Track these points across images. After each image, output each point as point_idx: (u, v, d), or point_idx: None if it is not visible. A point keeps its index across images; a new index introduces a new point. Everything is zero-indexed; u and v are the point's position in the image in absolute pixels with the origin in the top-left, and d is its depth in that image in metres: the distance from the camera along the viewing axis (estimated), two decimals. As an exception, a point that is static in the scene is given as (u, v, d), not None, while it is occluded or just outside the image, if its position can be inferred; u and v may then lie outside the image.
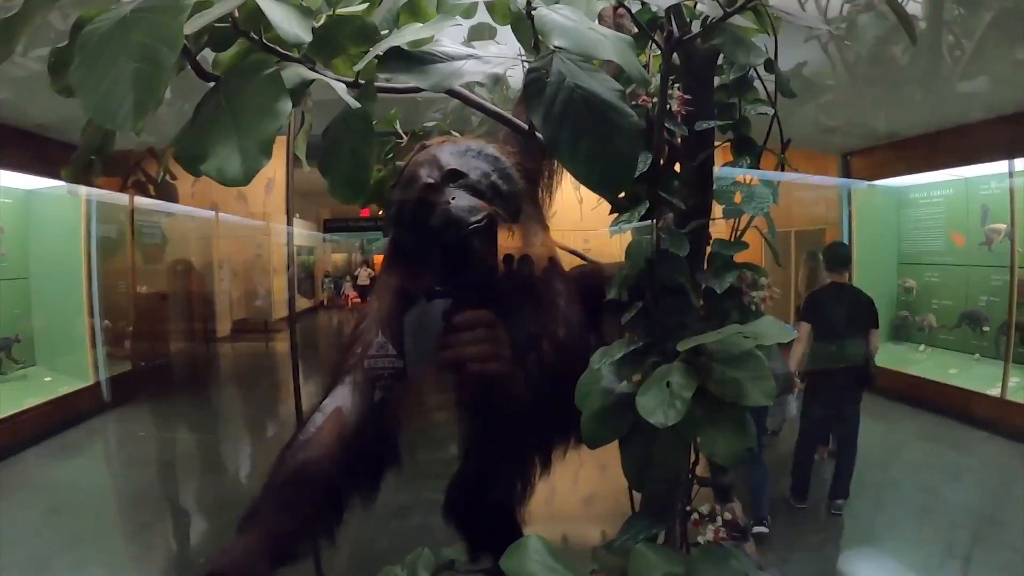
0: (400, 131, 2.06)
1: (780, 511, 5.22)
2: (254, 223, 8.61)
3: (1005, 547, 4.65)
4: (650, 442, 1.22)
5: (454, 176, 1.43)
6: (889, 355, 8.98)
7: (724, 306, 1.41)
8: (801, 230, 9.88)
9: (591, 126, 0.96)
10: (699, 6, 1.29)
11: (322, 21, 1.22)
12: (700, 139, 1.43)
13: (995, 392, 7.27)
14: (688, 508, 1.38)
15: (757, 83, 1.53)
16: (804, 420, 5.39)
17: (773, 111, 1.52)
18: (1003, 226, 7.51)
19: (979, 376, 7.67)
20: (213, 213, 8.63)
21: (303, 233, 10.59)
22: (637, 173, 1.19)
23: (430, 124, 2.01)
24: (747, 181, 1.53)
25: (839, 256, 5.36)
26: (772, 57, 1.44)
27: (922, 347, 9.08)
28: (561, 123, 0.96)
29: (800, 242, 9.84)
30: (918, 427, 7.46)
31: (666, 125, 1.33)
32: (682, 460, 1.30)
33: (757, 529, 4.71)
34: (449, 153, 1.49)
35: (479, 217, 1.37)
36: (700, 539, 1.32)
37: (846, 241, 9.17)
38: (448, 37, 1.24)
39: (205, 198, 7.92)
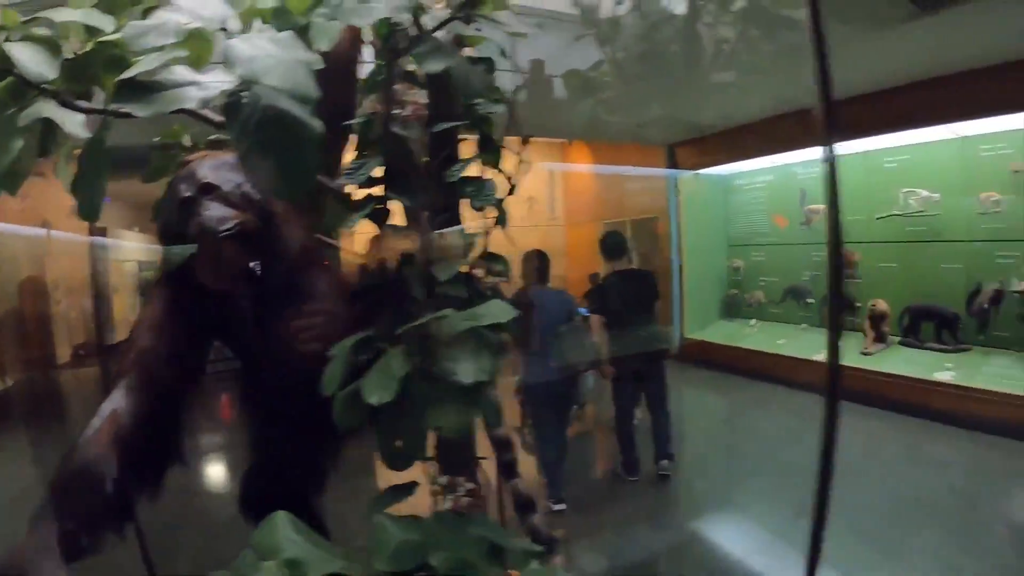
0: (187, 143, 2.09)
1: (619, 486, 5.52)
2: (90, 239, 8.20)
3: (848, 505, 4.97)
4: (395, 422, 1.31)
5: (208, 189, 1.51)
6: (722, 331, 9.49)
7: (451, 293, 1.48)
8: (636, 219, 10.34)
9: (279, 141, 1.04)
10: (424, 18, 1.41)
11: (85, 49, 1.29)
12: (442, 140, 1.55)
13: (821, 357, 7.68)
14: (435, 482, 1.48)
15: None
16: (615, 398, 5.64)
17: (508, 108, 1.69)
18: (820, 207, 8.01)
19: (806, 344, 8.12)
20: (44, 231, 8.20)
21: (143, 248, 10.15)
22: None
23: (213, 137, 2.06)
24: (480, 176, 1.64)
25: (613, 245, 5.62)
26: (505, 57, 1.63)
27: (752, 322, 9.59)
28: (252, 139, 1.03)
29: (635, 230, 10.31)
30: (752, 396, 7.82)
31: (399, 131, 1.45)
32: (420, 438, 1.38)
33: (556, 507, 4.89)
34: (207, 167, 1.57)
35: (229, 225, 1.47)
36: (441, 508, 1.43)
37: (674, 227, 9.62)
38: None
39: (35, 215, 7.55)
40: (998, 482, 5.15)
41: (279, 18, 1.41)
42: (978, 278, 7.03)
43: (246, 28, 1.37)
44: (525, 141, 1.69)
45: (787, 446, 6.11)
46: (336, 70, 1.57)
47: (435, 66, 1.36)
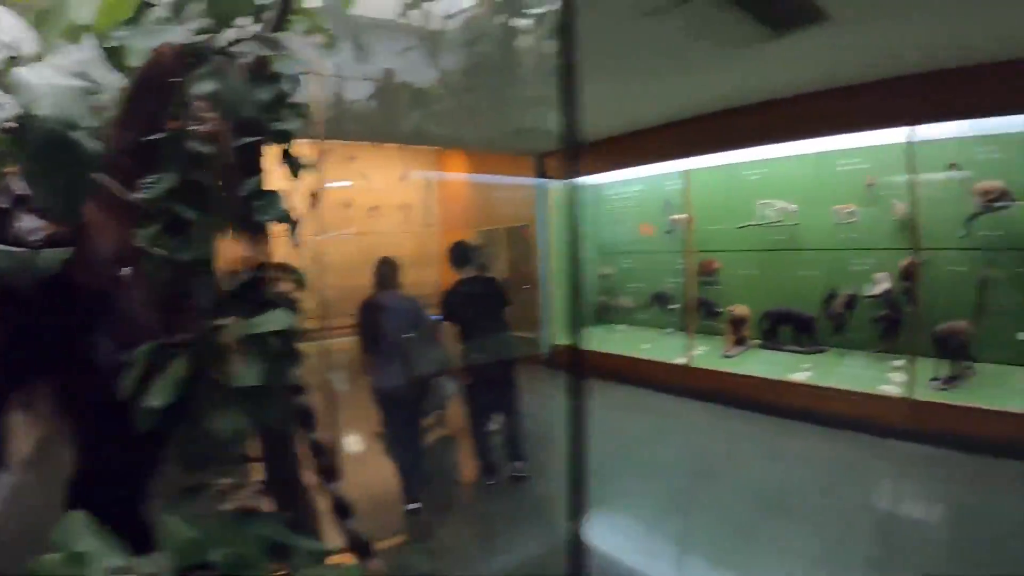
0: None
1: (480, 491, 5.51)
2: None
3: (715, 500, 5.18)
4: (188, 425, 1.39)
5: (22, 201, 1.54)
6: (592, 336, 9.63)
7: (245, 300, 1.55)
8: (509, 227, 10.43)
9: (54, 163, 1.16)
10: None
11: None
12: (243, 155, 1.61)
13: (683, 360, 7.98)
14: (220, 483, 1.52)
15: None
16: (469, 404, 5.67)
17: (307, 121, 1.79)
18: (682, 216, 8.31)
19: (670, 348, 8.38)
20: None
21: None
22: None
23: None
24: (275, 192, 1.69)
25: (459, 254, 5.66)
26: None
27: (620, 327, 9.79)
28: (33, 161, 1.16)
29: (509, 238, 10.39)
30: (619, 398, 8.00)
31: (197, 146, 1.49)
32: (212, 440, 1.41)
33: (411, 507, 4.88)
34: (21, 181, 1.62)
35: (40, 236, 1.49)
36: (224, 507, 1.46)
37: (542, 235, 9.88)
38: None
39: None
40: (852, 475, 5.42)
41: (78, 37, 1.47)
42: (833, 284, 7.45)
43: (49, 50, 1.42)
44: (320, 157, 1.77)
45: (649, 445, 6.36)
46: (149, 87, 1.60)
47: (206, 87, 1.46)
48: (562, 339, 9.98)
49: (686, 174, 8.24)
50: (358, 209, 9.76)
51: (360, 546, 1.71)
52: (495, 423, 5.66)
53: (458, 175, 12.38)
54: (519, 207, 10.35)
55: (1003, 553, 4.05)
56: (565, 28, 2.41)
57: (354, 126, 7.41)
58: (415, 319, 5.12)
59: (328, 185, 6.75)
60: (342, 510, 1.84)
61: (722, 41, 5.08)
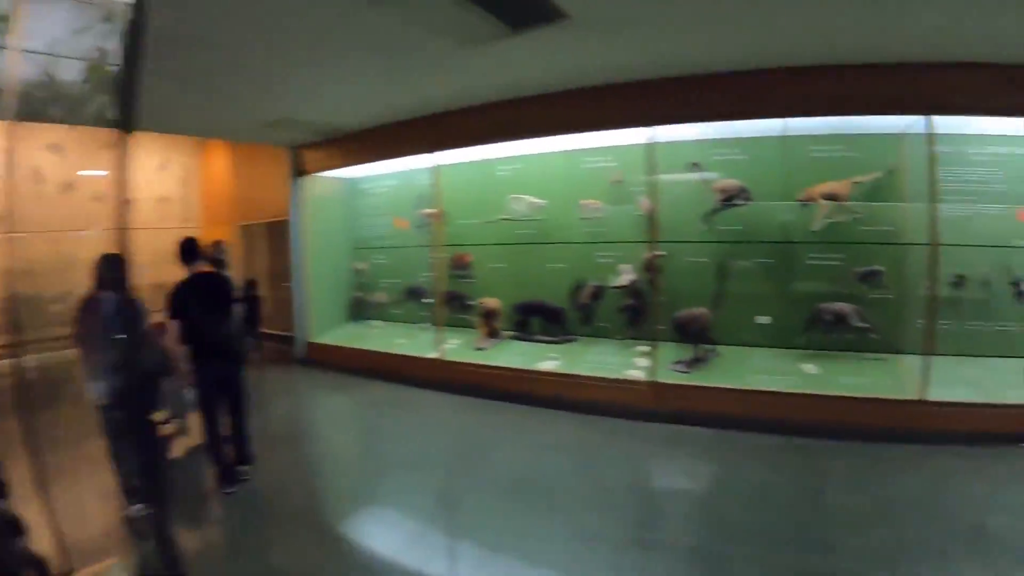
0: None
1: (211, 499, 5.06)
2: None
3: (477, 487, 5.15)
4: None
5: None
6: (347, 333, 9.34)
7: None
8: (271, 221, 9.93)
9: None
10: None
11: None
12: None
13: (436, 355, 7.87)
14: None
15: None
16: (201, 407, 5.23)
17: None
18: (434, 210, 8.23)
19: (425, 343, 8.26)
20: None
21: None
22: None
23: None
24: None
25: (187, 249, 5.29)
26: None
27: (376, 322, 9.56)
28: None
29: (272, 232, 9.89)
30: (375, 395, 7.82)
31: None
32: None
33: (135, 512, 4.44)
34: None
35: None
36: None
37: (298, 230, 9.47)
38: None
39: None
40: (598, 457, 5.59)
41: None
42: (581, 276, 7.72)
43: None
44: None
45: (403, 441, 6.19)
46: None
47: None
48: (319, 337, 9.62)
49: (436, 169, 8.11)
50: (112, 203, 8.85)
51: (26, 562, 1.44)
52: (224, 426, 5.22)
53: (220, 167, 11.72)
54: (280, 202, 9.84)
55: (735, 516, 4.37)
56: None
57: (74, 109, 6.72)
58: (132, 319, 4.61)
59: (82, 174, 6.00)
60: (7, 529, 1.56)
61: (461, 37, 5.03)
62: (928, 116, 5.82)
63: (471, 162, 8.36)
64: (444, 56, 5.52)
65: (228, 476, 5.12)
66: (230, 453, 5.22)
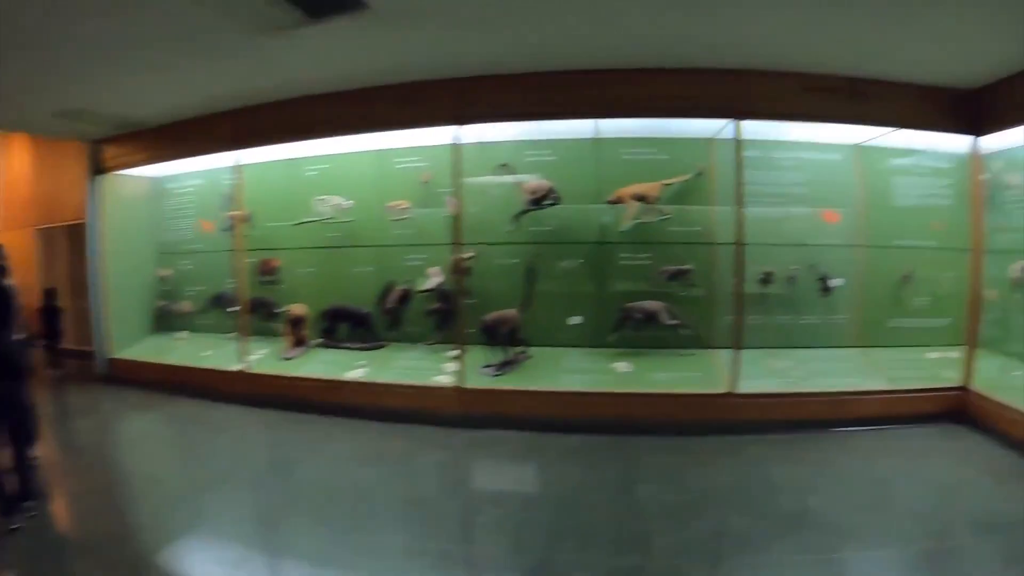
0: None
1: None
2: None
3: (288, 503, 4.76)
4: None
5: None
6: (152, 346, 8.65)
7: None
8: (72, 224, 9.10)
9: None
10: None
11: None
12: None
13: (242, 366, 7.33)
14: None
15: None
16: None
17: None
18: (240, 212, 7.75)
19: (231, 354, 7.67)
20: None
21: None
22: None
23: None
24: None
25: None
26: None
27: (182, 334, 8.88)
28: None
29: (73, 236, 9.06)
30: (180, 413, 7.22)
31: None
32: None
33: None
34: None
35: None
36: None
37: (94, 233, 8.66)
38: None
39: None
40: (409, 465, 5.34)
41: None
42: (389, 279, 7.39)
43: None
44: None
45: (207, 461, 5.70)
46: None
47: None
48: (121, 351, 8.89)
49: (239, 168, 7.57)
50: None
51: None
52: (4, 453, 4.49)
53: (20, 165, 10.71)
54: (79, 202, 8.99)
55: (549, 520, 4.26)
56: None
57: None
58: None
59: None
60: None
61: (258, 24, 4.71)
62: (735, 120, 6.00)
63: (278, 161, 7.87)
64: (242, 45, 5.17)
65: (11, 510, 4.31)
66: (13, 484, 4.43)
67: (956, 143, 6.55)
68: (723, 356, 6.40)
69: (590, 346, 6.93)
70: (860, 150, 7.09)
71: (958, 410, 6.38)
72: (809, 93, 5.97)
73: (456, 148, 6.43)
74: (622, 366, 6.51)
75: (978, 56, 5.42)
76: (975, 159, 6.46)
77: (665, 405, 6.03)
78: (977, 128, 6.30)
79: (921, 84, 6.12)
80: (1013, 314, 6.72)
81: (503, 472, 5.32)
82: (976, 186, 6.51)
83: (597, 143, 6.89)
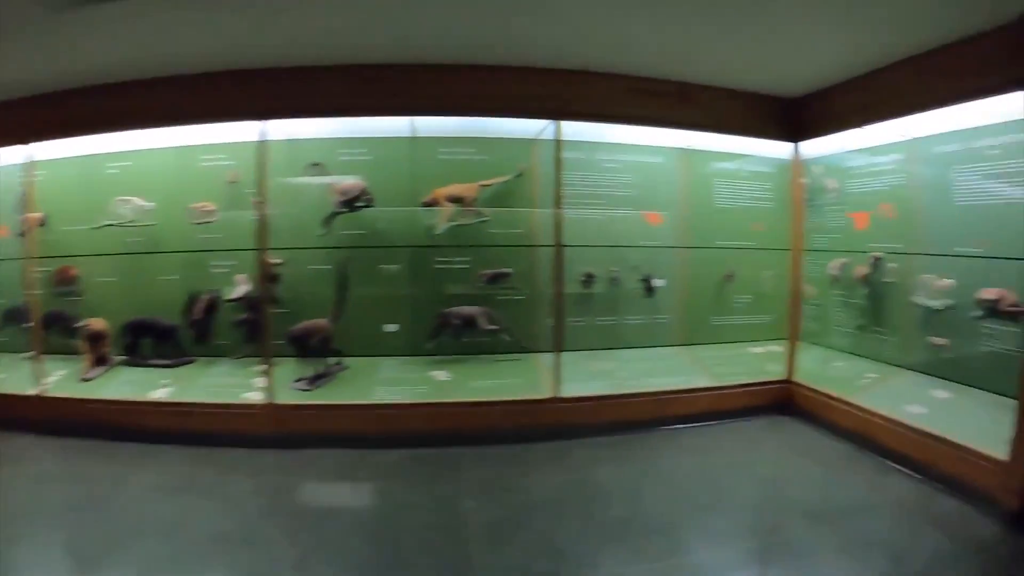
0: None
1: None
2: None
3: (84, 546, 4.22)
4: None
5: None
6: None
7: None
8: None
9: None
10: None
11: None
12: None
13: (36, 391, 6.60)
14: None
15: None
16: None
17: None
18: (37, 215, 7.07)
19: (26, 377, 6.90)
20: None
21: None
22: None
23: None
24: None
25: None
26: None
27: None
28: None
29: None
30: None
31: None
32: None
33: None
34: None
35: None
36: None
37: None
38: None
39: None
40: (215, 494, 4.88)
41: None
42: (195, 288, 6.85)
43: None
44: None
45: (4, 499, 4.99)
46: None
47: None
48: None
49: (32, 164, 6.82)
50: None
51: None
52: None
53: None
54: None
55: (363, 547, 4.00)
56: None
57: None
58: None
59: None
60: None
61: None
62: (555, 121, 5.90)
63: (77, 157, 7.14)
64: (26, 23, 4.58)
65: None
66: None
67: (778, 149, 6.89)
68: (546, 360, 6.29)
69: (408, 355, 6.70)
70: (684, 153, 7.23)
71: (784, 402, 6.67)
72: (636, 96, 5.97)
73: (263, 145, 5.96)
74: (441, 375, 6.29)
75: (800, 68, 5.69)
76: (795, 164, 6.81)
77: (488, 414, 5.83)
78: (797, 135, 6.68)
79: (747, 91, 6.36)
80: (831, 309, 7.26)
81: (317, 497, 4.98)
82: (796, 190, 6.87)
83: (414, 142, 6.62)
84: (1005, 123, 5.49)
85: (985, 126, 5.68)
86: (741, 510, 4.52)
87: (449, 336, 6.60)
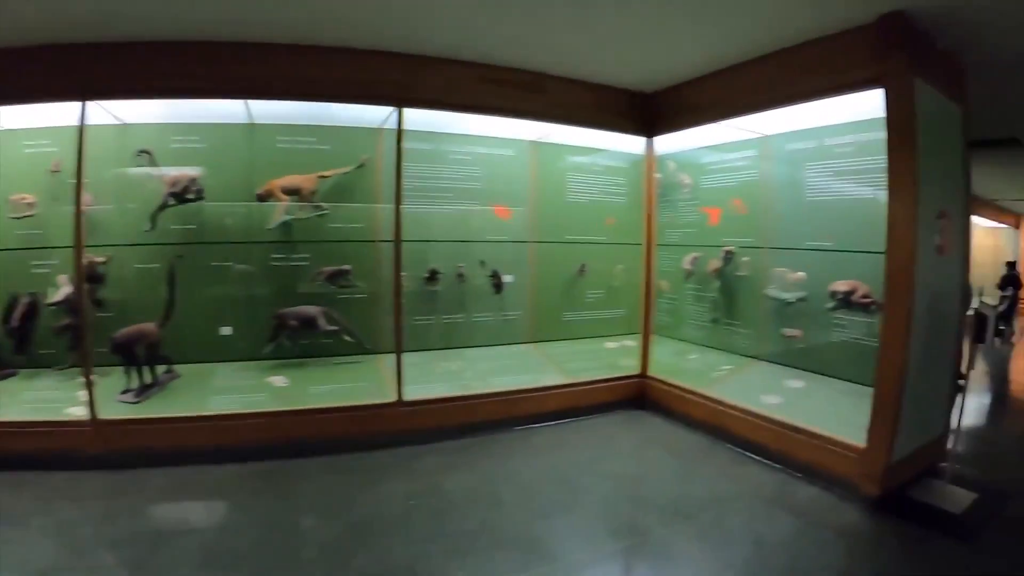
0: None
1: None
2: None
3: None
4: None
5: None
6: None
7: None
8: None
9: None
10: None
11: None
12: None
13: None
14: None
15: None
16: None
17: None
18: None
19: None
20: None
21: None
22: None
23: None
24: None
25: None
26: None
27: None
28: None
29: None
30: None
31: None
32: None
33: None
34: None
35: None
36: None
37: None
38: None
39: None
40: (32, 525, 4.30)
41: None
42: (15, 291, 6.17)
43: None
44: None
45: None
46: None
47: None
48: None
49: None
50: None
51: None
52: None
53: None
54: None
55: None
56: None
57: None
58: None
59: None
60: None
61: None
62: (399, 108, 5.49)
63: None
64: None
65: None
66: None
67: (632, 144, 6.80)
68: (391, 362, 5.91)
69: (244, 359, 6.27)
70: (537, 146, 7.11)
71: (639, 396, 6.64)
72: (486, 84, 5.69)
73: (84, 129, 5.31)
74: (279, 380, 5.89)
75: (655, 63, 5.62)
76: (649, 159, 6.72)
77: (328, 422, 5.45)
78: (651, 130, 6.61)
79: (601, 84, 6.25)
80: (685, 303, 7.44)
81: (146, 522, 4.39)
82: (649, 185, 6.77)
83: (252, 129, 6.16)
84: (856, 122, 5.62)
85: (835, 125, 5.82)
86: (597, 511, 4.40)
87: (287, 339, 6.21)
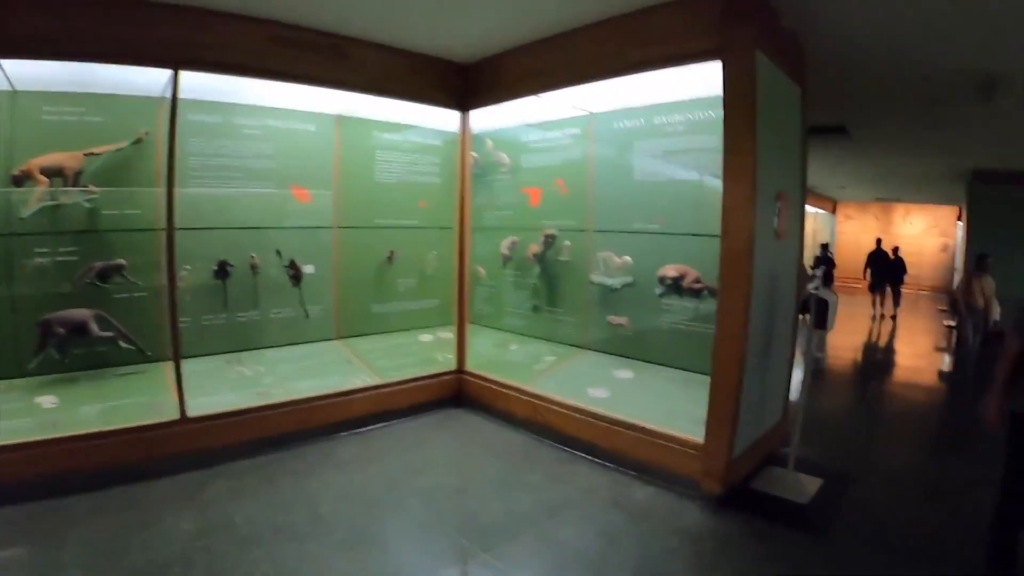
0: None
1: None
2: None
3: None
4: None
5: None
6: None
7: None
8: None
9: None
10: None
11: None
12: None
13: None
14: None
15: None
16: None
17: None
18: None
19: None
20: None
21: None
22: None
23: None
24: None
25: None
26: None
27: None
28: None
29: None
30: None
31: None
32: None
33: None
34: None
35: None
36: None
37: None
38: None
39: None
40: None
41: None
42: None
43: None
44: None
45: None
46: None
47: None
48: None
49: None
50: None
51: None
52: None
53: None
54: None
55: None
56: None
57: None
58: None
59: None
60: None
61: None
62: (174, 70, 4.62)
63: None
64: None
65: None
66: None
67: (447, 121, 6.38)
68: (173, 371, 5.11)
69: (6, 377, 5.13)
70: (342, 121, 6.50)
71: (456, 394, 6.28)
72: (281, 46, 5.00)
73: None
74: (48, 400, 4.89)
75: (471, 29, 5.21)
76: (464, 134, 6.28)
77: (101, 449, 4.49)
78: (467, 103, 6.15)
79: (412, 51, 5.82)
80: (505, 290, 7.14)
81: None
82: (464, 163, 6.35)
83: (13, 97, 5.05)
84: (689, 100, 5.38)
85: (667, 103, 5.55)
86: (412, 538, 3.87)
87: (55, 349, 5.20)
